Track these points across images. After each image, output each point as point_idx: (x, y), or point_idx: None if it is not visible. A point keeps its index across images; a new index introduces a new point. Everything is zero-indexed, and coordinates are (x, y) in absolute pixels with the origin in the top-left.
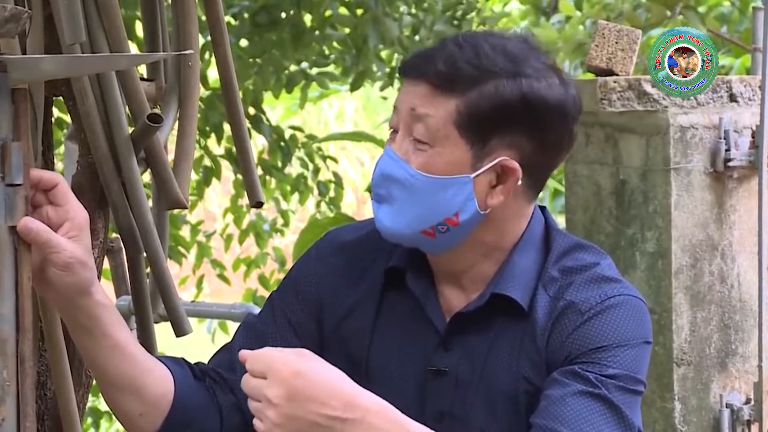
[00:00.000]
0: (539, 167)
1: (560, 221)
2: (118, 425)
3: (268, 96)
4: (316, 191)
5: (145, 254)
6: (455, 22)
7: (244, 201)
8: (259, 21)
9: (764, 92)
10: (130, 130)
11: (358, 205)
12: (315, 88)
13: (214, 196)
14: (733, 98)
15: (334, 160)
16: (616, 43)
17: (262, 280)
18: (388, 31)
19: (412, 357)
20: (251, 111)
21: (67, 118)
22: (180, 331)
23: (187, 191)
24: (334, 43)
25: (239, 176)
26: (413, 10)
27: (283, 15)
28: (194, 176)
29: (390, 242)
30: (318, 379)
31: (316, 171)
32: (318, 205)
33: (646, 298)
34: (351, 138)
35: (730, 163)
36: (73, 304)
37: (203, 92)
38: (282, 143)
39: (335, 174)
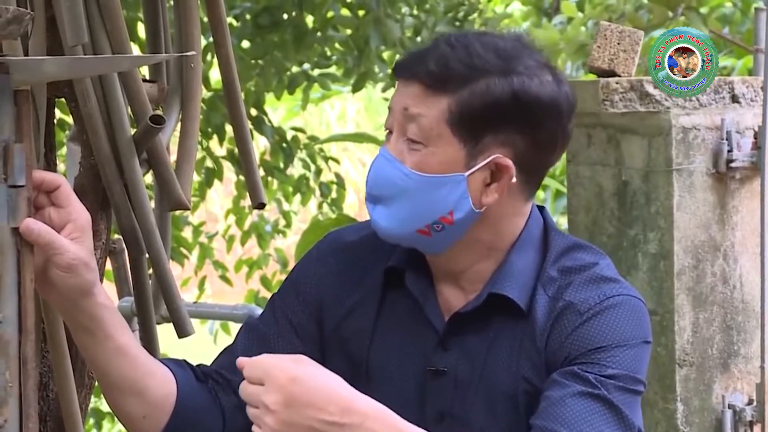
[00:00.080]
0: (534, 164)
1: (562, 222)
2: (120, 426)
3: (270, 97)
4: (318, 192)
5: (147, 255)
6: (457, 23)
7: (246, 202)
8: (261, 22)
9: (766, 93)
10: (133, 131)
11: (360, 206)
12: (317, 89)
13: (216, 198)
14: (735, 99)
15: (336, 161)
16: (618, 44)
17: (264, 281)
18: (389, 32)
19: (412, 357)
20: (253, 112)
21: (70, 119)
22: (182, 332)
23: (189, 192)
24: (336, 45)
25: (241, 177)
26: (415, 12)
27: (285, 16)
28: (196, 177)
29: (390, 243)
30: (315, 384)
31: (318, 172)
32: (320, 206)
33: (648, 299)
34: (353, 139)
35: (733, 164)
36: (75, 305)
37: (205, 93)
38: (284, 144)
39: (337, 175)
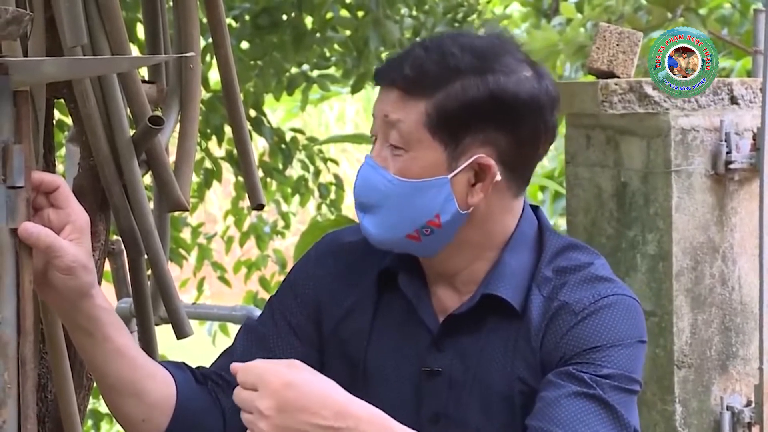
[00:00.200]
0: (518, 161)
1: (561, 224)
2: (118, 427)
3: (269, 98)
4: (316, 193)
5: (146, 256)
6: (456, 25)
7: (245, 203)
8: (260, 23)
9: (765, 94)
10: (132, 132)
11: None
12: (316, 90)
13: (215, 199)
14: (734, 100)
15: (335, 162)
16: (617, 45)
17: (263, 282)
18: (389, 33)
19: (408, 358)
20: (252, 113)
21: (69, 120)
22: (181, 333)
23: (188, 193)
24: (335, 46)
25: (240, 178)
26: (414, 13)
27: (284, 17)
28: (195, 178)
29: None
30: (309, 389)
31: (317, 173)
32: (319, 207)
33: (646, 300)
34: (352, 140)
35: (731, 166)
36: (74, 307)
37: (204, 94)
38: (283, 145)
39: (336, 176)
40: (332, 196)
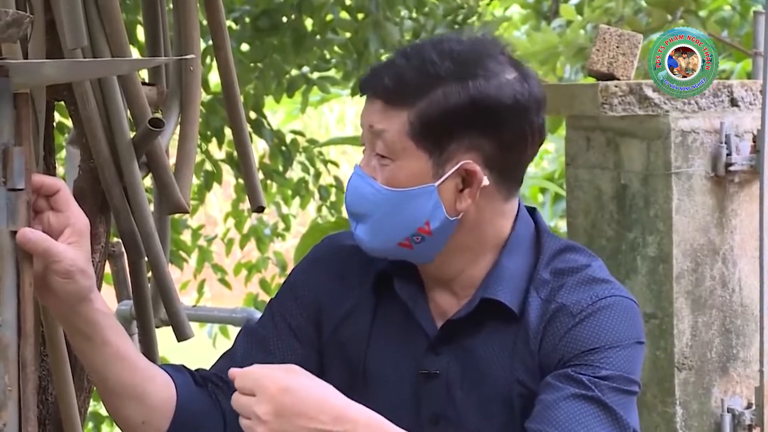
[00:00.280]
0: (505, 165)
1: (561, 226)
2: (119, 430)
3: (269, 100)
4: (317, 195)
5: (146, 259)
6: (456, 27)
7: (246, 205)
8: (260, 25)
9: (765, 96)
10: (132, 134)
11: None
12: (316, 92)
13: (215, 201)
14: (734, 103)
15: (336, 164)
16: (617, 47)
17: (263, 284)
18: (389, 35)
19: (406, 360)
20: (252, 115)
21: (69, 122)
22: (181, 335)
23: (188, 195)
24: (335, 48)
25: (240, 180)
26: (414, 15)
27: (285, 19)
28: (195, 180)
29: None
30: (307, 394)
31: (317, 175)
32: (319, 209)
33: (647, 302)
34: (352, 142)
35: (731, 168)
36: (73, 311)
37: (204, 96)
38: (283, 147)
39: (336, 178)
40: (332, 198)
